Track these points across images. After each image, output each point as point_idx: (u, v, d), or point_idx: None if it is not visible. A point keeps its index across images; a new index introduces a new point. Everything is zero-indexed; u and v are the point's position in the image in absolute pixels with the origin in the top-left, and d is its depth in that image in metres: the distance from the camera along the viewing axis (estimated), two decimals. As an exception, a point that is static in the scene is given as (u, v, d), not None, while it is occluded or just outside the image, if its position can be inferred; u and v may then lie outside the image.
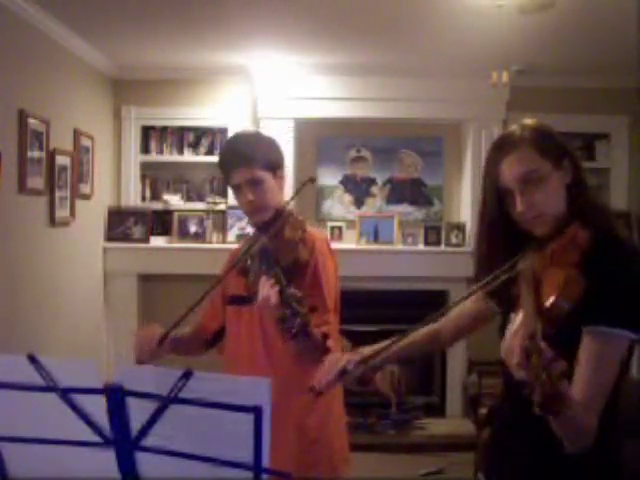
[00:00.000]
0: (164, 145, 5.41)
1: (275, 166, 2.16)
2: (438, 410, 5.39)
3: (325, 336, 1.96)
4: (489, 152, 1.60)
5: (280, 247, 2.03)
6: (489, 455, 1.77)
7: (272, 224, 2.08)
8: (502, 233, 1.58)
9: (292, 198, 2.14)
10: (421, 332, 1.81)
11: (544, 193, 1.51)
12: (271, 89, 5.23)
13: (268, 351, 2.09)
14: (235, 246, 2.66)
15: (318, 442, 2.10)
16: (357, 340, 5.17)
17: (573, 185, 1.55)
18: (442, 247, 5.36)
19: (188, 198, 5.45)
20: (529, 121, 1.59)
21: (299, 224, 2.13)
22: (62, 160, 4.36)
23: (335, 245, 5.18)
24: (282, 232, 2.07)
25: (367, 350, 1.77)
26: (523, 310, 1.35)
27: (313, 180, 2.13)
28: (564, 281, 1.34)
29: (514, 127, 1.59)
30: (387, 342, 1.74)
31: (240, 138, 2.22)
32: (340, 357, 1.75)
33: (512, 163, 1.53)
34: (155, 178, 5.48)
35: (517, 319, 1.38)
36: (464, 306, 1.80)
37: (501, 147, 1.56)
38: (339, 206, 5.55)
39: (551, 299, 1.32)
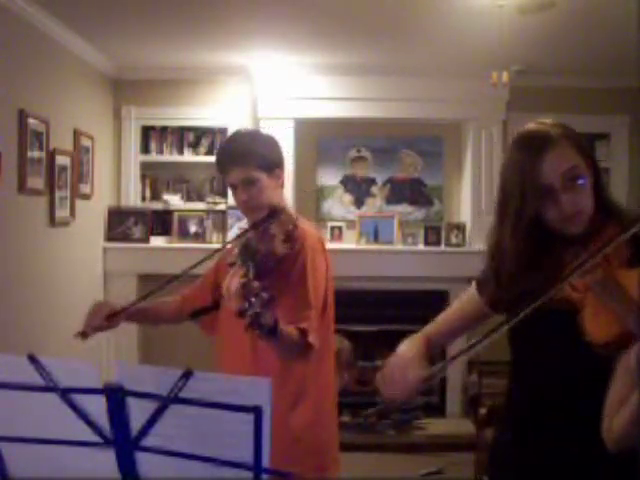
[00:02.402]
0: (164, 145, 5.41)
1: (271, 166, 2.15)
2: (438, 410, 5.38)
3: (303, 332, 1.97)
4: (519, 152, 1.52)
5: (260, 241, 2.03)
6: (502, 458, 1.70)
7: (265, 220, 2.09)
8: (535, 233, 1.52)
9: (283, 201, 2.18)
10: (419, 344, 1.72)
11: (585, 190, 1.49)
12: (271, 89, 5.23)
13: (254, 347, 2.07)
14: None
15: (302, 440, 2.08)
16: (357, 340, 5.21)
17: (595, 184, 1.52)
18: (442, 247, 5.36)
19: (188, 198, 5.45)
20: (550, 120, 1.54)
21: (289, 220, 2.12)
22: (62, 160, 4.36)
23: (335, 245, 5.26)
24: (269, 228, 2.07)
25: (409, 348, 1.66)
26: (624, 314, 1.29)
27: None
28: None
29: (538, 126, 1.54)
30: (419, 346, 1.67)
31: (236, 137, 2.22)
32: (403, 362, 1.60)
33: (555, 159, 1.47)
34: (155, 178, 5.49)
35: None
36: (454, 309, 1.76)
37: (537, 145, 1.49)
38: (339, 206, 5.55)
39: None
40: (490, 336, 1.44)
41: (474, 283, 1.72)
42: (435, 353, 1.70)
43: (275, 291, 1.78)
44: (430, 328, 1.76)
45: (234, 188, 2.16)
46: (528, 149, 1.50)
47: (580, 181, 1.48)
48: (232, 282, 1.81)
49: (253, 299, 1.72)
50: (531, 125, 1.55)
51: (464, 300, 1.75)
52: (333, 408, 2.24)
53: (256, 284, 1.76)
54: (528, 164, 1.48)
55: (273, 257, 2.01)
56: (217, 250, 2.25)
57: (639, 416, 1.29)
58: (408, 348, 1.66)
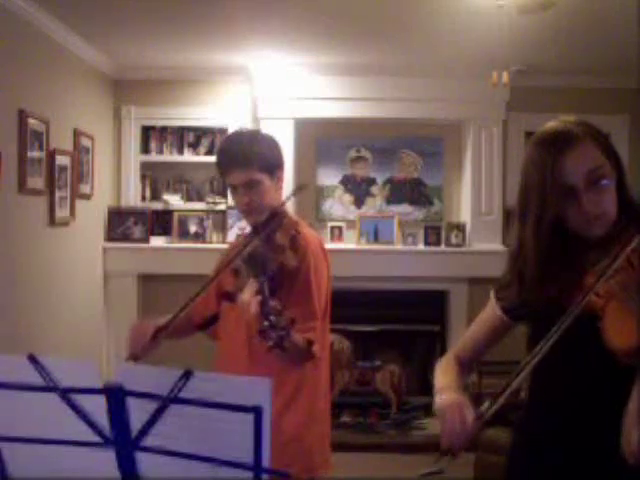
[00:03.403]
0: (164, 145, 5.41)
1: (273, 167, 2.13)
2: (438, 410, 5.37)
3: (310, 342, 1.96)
4: (540, 150, 1.46)
5: (269, 252, 1.98)
6: (520, 467, 1.64)
7: (267, 224, 2.05)
8: (557, 236, 1.46)
9: (283, 203, 2.15)
10: (455, 369, 1.71)
11: (609, 192, 1.43)
12: (271, 89, 5.23)
13: (250, 348, 2.07)
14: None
15: (294, 442, 2.06)
16: (357, 340, 5.20)
17: (618, 185, 1.47)
18: (442, 247, 5.35)
19: (188, 198, 5.45)
20: (574, 118, 1.48)
21: (292, 226, 2.09)
22: (62, 160, 4.36)
23: (335, 245, 5.26)
24: (274, 235, 2.03)
25: (453, 385, 1.62)
26: None
27: (302, 188, 2.14)
28: None
29: (560, 123, 1.47)
30: (456, 376, 1.64)
31: (237, 138, 2.18)
32: (459, 405, 1.52)
33: (578, 159, 1.41)
34: (155, 178, 5.49)
35: None
36: (476, 324, 1.69)
37: (559, 144, 1.43)
38: (339, 206, 5.55)
39: None
40: (531, 363, 1.38)
41: (492, 292, 1.65)
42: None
43: (279, 300, 1.77)
44: (458, 349, 1.72)
45: (234, 190, 2.13)
46: (550, 147, 1.44)
47: (604, 182, 1.42)
48: (249, 299, 1.78)
49: (273, 318, 1.70)
50: (553, 123, 1.49)
51: (484, 314, 1.68)
52: (327, 409, 2.23)
53: (275, 303, 1.73)
54: (550, 163, 1.42)
55: (284, 270, 1.97)
56: (228, 263, 2.15)
57: None
58: (452, 385, 1.58)
